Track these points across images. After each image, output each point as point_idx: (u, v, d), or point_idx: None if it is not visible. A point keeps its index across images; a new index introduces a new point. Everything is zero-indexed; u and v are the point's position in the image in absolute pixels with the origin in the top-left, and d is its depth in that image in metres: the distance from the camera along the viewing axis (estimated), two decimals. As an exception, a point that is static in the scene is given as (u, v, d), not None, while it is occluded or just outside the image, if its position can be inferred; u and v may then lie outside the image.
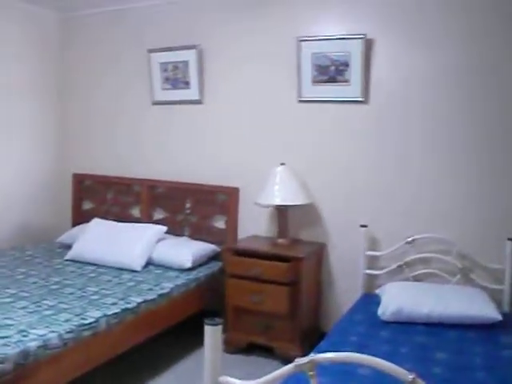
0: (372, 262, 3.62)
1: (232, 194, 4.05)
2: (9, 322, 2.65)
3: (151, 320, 3.21)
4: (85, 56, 4.80)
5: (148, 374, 3.30)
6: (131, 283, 3.42)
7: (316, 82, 3.72)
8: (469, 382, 2.22)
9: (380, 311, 2.97)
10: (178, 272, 3.69)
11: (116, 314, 2.92)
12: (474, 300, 2.99)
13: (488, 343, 2.68)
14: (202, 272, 3.79)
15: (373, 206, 3.64)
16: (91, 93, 4.79)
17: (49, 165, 4.91)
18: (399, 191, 3.56)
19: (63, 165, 4.98)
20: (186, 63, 4.19)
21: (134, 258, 3.71)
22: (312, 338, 3.49)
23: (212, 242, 4.08)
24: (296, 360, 1.48)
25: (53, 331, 2.57)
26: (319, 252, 3.78)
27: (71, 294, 3.16)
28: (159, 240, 3.94)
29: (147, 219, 4.39)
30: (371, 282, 3.63)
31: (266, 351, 3.58)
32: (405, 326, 2.89)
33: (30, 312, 2.81)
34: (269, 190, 3.64)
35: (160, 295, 3.29)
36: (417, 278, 3.47)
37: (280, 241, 3.71)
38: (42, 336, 2.50)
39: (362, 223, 3.59)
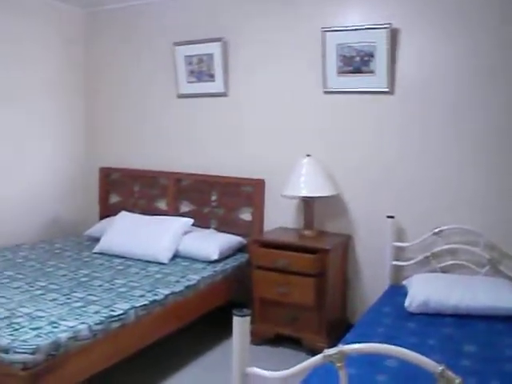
0: (399, 253, 3.59)
1: (258, 186, 4.06)
2: (40, 313, 2.70)
3: (179, 312, 3.24)
4: (110, 51, 4.84)
5: (176, 365, 3.34)
6: (158, 275, 3.45)
7: (341, 72, 3.69)
8: (499, 374, 2.19)
9: (407, 303, 2.95)
10: (204, 264, 3.72)
11: (144, 305, 2.96)
12: (503, 291, 2.95)
13: (518, 335, 2.65)
14: (229, 264, 3.81)
15: (399, 197, 3.61)
16: (117, 87, 4.83)
17: (77, 160, 4.98)
18: (425, 181, 3.53)
19: (91, 159, 5.05)
20: (210, 56, 4.20)
21: (161, 251, 3.74)
22: (338, 330, 3.48)
23: (238, 234, 4.09)
24: (324, 351, 1.49)
25: (83, 323, 2.61)
26: (345, 243, 3.77)
27: (100, 286, 3.21)
28: (186, 232, 3.97)
29: (173, 212, 4.42)
30: (398, 273, 3.60)
31: (292, 342, 3.59)
32: (432, 318, 2.87)
33: (60, 304, 2.86)
34: (295, 181, 3.63)
35: (187, 287, 3.32)
36: (444, 270, 3.44)
37: (306, 232, 3.70)
38: (72, 327, 2.55)
39: (389, 214, 3.56)
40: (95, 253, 3.98)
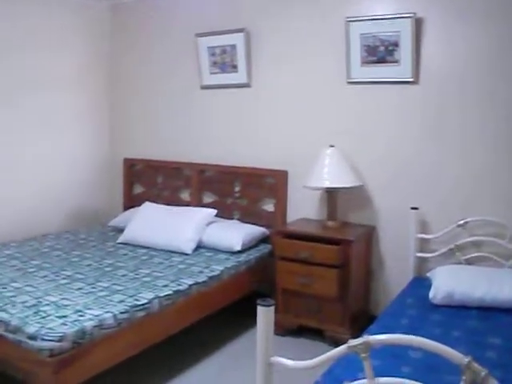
0: (423, 244, 3.56)
1: (280, 177, 4.05)
2: (66, 302, 2.74)
3: (202, 302, 3.26)
4: (134, 43, 4.86)
5: (200, 355, 3.37)
6: (182, 266, 3.48)
7: (365, 62, 3.66)
8: (525, 368, 2.17)
9: (431, 294, 2.93)
10: (227, 255, 3.73)
11: (168, 295, 2.98)
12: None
13: (544, 328, 2.61)
14: (252, 255, 3.82)
15: (423, 188, 3.58)
16: (141, 79, 4.86)
17: (101, 151, 5.03)
18: (449, 173, 3.49)
19: (115, 150, 5.09)
20: (233, 47, 4.19)
21: (185, 242, 3.77)
22: (361, 322, 3.48)
23: (261, 225, 4.10)
24: (349, 341, 1.48)
25: (108, 312, 2.65)
26: (369, 235, 3.75)
27: (124, 275, 3.24)
28: (209, 223, 3.99)
29: (197, 203, 4.44)
30: (422, 265, 3.57)
31: (315, 334, 3.59)
32: (457, 310, 2.84)
33: (86, 293, 2.90)
34: (318, 172, 3.62)
35: (211, 277, 3.34)
36: (469, 262, 3.40)
37: (329, 223, 3.69)
38: (97, 316, 2.58)
39: (412, 205, 3.53)
40: (119, 243, 4.02)
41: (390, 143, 3.67)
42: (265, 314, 1.69)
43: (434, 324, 2.67)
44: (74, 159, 4.76)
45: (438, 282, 2.99)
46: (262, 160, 4.16)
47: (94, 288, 2.99)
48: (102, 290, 2.95)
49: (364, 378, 1.52)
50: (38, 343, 2.36)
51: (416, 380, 1.52)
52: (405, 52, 3.49)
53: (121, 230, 4.23)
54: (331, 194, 3.71)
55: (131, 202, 4.87)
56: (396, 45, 3.52)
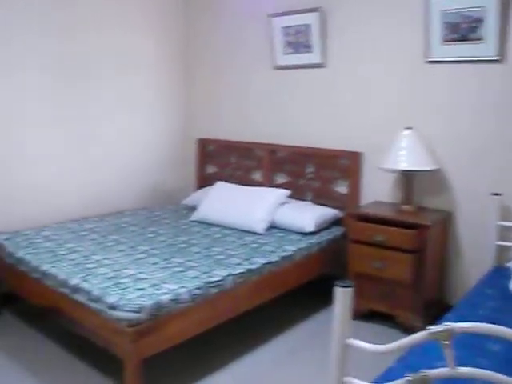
0: (504, 232, 3.41)
1: (355, 158, 3.98)
2: (143, 276, 2.83)
3: (274, 281, 3.28)
4: (208, 23, 4.88)
5: (271, 333, 3.41)
6: (254, 245, 3.50)
7: (446, 41, 3.51)
8: None
9: (512, 285, 2.81)
10: (299, 236, 3.72)
11: (241, 273, 3.02)
12: None
13: None
14: (324, 236, 3.79)
15: (505, 173, 3.41)
16: (214, 60, 4.89)
17: (175, 130, 5.11)
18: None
19: (189, 130, 5.16)
20: (308, 26, 4.13)
21: (257, 221, 3.79)
22: (435, 310, 3.39)
23: (334, 207, 4.05)
24: (429, 328, 1.44)
25: (183, 287, 2.71)
26: (446, 220, 3.63)
27: (197, 253, 3.30)
28: (282, 204, 3.99)
29: (269, 184, 4.44)
30: (503, 254, 3.42)
31: (385, 319, 3.54)
32: (541, 302, 2.72)
33: (161, 268, 2.98)
34: (394, 154, 3.53)
35: (283, 257, 3.34)
36: (554, 252, 3.24)
37: (404, 207, 3.60)
38: (173, 290, 2.65)
39: (494, 191, 3.39)
40: (192, 221, 4.10)
41: (470, 125, 3.52)
42: (343, 296, 1.67)
43: (514, 315, 2.56)
44: (149, 138, 4.86)
45: (519, 271, 2.86)
46: (335, 141, 4.10)
47: (169, 264, 3.06)
48: (176, 266, 3.02)
49: (443, 367, 1.48)
50: (118, 313, 2.45)
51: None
52: (490, 29, 3.32)
53: (194, 209, 4.31)
54: (407, 177, 3.61)
55: (204, 181, 4.94)
56: (480, 21, 3.35)
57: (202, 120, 5.07)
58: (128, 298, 2.52)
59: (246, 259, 3.20)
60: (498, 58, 3.35)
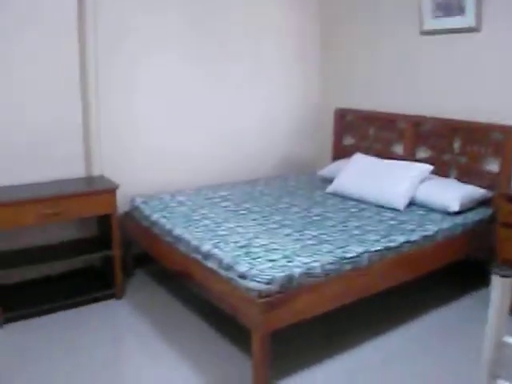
0: None
1: (509, 133, 3.57)
2: (275, 246, 2.75)
3: (413, 261, 3.04)
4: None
5: (404, 317, 3.20)
6: (393, 222, 3.27)
7: None
8: None
9: None
10: (442, 215, 3.42)
11: (378, 251, 2.82)
12: None
13: None
14: (469, 218, 3.44)
15: None
16: (354, 25, 4.62)
17: (312, 99, 4.96)
18: None
19: (326, 99, 4.98)
20: (461, -15, 3.75)
21: (397, 197, 3.54)
22: None
23: (481, 187, 3.68)
24: None
25: (316, 261, 2.58)
26: None
27: (332, 226, 3.15)
28: (423, 180, 3.69)
29: (410, 158, 4.15)
30: None
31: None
32: None
33: (294, 240, 2.88)
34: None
35: (424, 237, 3.08)
36: None
37: None
38: (305, 264, 2.53)
39: None
40: (328, 193, 3.95)
41: None
42: (502, 286, 1.44)
43: None
44: (285, 107, 4.77)
45: None
46: (487, 114, 3.69)
47: (302, 236, 2.95)
48: (310, 239, 2.90)
49: None
50: (248, 283, 2.39)
51: None
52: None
53: (329, 181, 4.15)
54: None
55: (340, 153, 4.75)
56: None
57: (341, 89, 4.86)
58: (259, 268, 2.44)
59: (385, 236, 2.99)
60: None
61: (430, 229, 3.17)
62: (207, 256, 2.71)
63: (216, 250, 2.69)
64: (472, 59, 3.81)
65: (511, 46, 3.57)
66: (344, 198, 3.81)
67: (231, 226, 3.10)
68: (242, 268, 2.45)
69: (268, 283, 2.36)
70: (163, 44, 3.91)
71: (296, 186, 4.16)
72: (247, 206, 3.57)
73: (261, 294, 2.35)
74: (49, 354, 2.77)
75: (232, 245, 2.76)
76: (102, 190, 3.33)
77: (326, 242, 2.85)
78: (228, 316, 2.62)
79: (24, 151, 3.34)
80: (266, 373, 2.42)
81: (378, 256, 2.82)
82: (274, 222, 3.19)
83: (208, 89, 4.21)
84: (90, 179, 3.59)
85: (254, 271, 2.41)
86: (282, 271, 2.43)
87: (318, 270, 2.54)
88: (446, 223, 3.29)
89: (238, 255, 2.60)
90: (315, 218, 3.32)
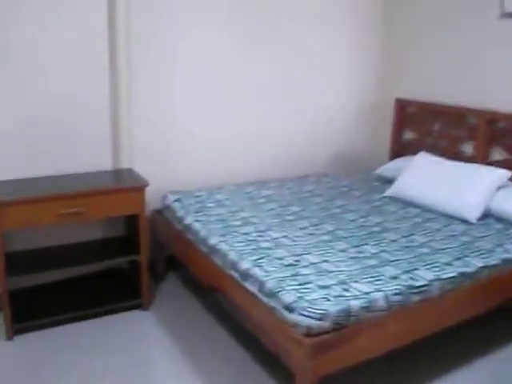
0: None
1: None
2: (328, 266, 2.31)
3: (491, 290, 2.54)
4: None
5: (475, 355, 2.69)
6: (466, 238, 2.77)
7: None
8: None
9: None
10: (526, 231, 2.91)
11: (452, 278, 2.33)
12: None
13: None
14: (559, 235, 2.91)
15: None
16: (420, 10, 4.07)
17: (369, 88, 4.44)
18: None
19: (385, 89, 4.45)
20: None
21: (468, 207, 3.04)
22: None
23: None
24: None
25: (379, 290, 2.12)
26: None
27: (394, 241, 2.68)
28: (500, 187, 3.17)
29: (482, 160, 3.61)
30: None
31: None
32: None
33: (351, 258, 2.43)
34: None
35: (505, 260, 2.57)
36: None
37: None
38: (366, 294, 2.08)
39: None
40: (386, 196, 3.47)
41: None
42: None
43: None
44: (340, 97, 4.28)
45: None
46: None
47: (359, 253, 2.50)
48: (369, 258, 2.44)
49: None
50: (294, 317, 1.96)
51: None
52: None
53: (387, 181, 3.68)
54: None
55: (400, 149, 4.25)
56: None
57: (403, 77, 4.32)
58: (309, 298, 2.00)
59: (458, 258, 2.49)
60: None
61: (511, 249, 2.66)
62: (246, 276, 2.29)
63: (257, 270, 2.26)
64: None
65: None
66: (405, 203, 3.33)
67: (276, 236, 2.67)
68: (288, 298, 2.01)
69: (320, 319, 1.92)
70: (205, 24, 3.48)
71: (350, 187, 3.70)
72: (295, 209, 3.13)
73: (310, 332, 1.92)
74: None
75: (276, 263, 2.32)
76: (130, 188, 2.91)
77: (389, 263, 2.39)
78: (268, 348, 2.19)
79: (46, 138, 2.99)
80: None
81: (451, 284, 2.33)
82: (326, 233, 2.75)
83: (254, 77, 3.79)
84: (117, 173, 3.20)
85: (302, 303, 1.97)
86: (337, 303, 1.99)
87: (381, 303, 2.09)
88: (531, 242, 2.77)
89: (283, 278, 2.17)
90: (374, 228, 2.86)
